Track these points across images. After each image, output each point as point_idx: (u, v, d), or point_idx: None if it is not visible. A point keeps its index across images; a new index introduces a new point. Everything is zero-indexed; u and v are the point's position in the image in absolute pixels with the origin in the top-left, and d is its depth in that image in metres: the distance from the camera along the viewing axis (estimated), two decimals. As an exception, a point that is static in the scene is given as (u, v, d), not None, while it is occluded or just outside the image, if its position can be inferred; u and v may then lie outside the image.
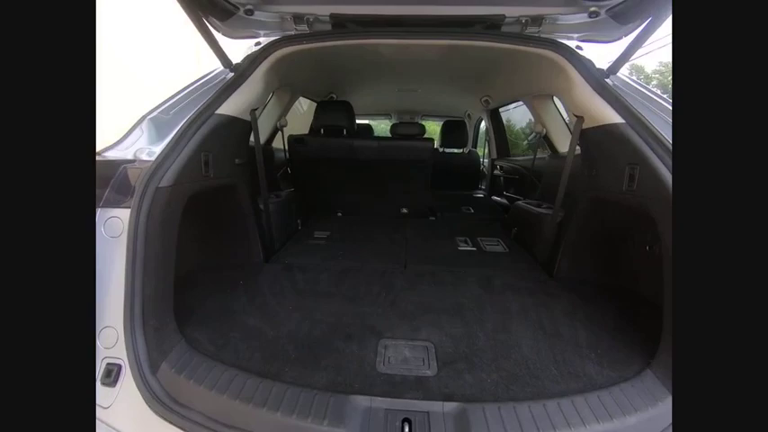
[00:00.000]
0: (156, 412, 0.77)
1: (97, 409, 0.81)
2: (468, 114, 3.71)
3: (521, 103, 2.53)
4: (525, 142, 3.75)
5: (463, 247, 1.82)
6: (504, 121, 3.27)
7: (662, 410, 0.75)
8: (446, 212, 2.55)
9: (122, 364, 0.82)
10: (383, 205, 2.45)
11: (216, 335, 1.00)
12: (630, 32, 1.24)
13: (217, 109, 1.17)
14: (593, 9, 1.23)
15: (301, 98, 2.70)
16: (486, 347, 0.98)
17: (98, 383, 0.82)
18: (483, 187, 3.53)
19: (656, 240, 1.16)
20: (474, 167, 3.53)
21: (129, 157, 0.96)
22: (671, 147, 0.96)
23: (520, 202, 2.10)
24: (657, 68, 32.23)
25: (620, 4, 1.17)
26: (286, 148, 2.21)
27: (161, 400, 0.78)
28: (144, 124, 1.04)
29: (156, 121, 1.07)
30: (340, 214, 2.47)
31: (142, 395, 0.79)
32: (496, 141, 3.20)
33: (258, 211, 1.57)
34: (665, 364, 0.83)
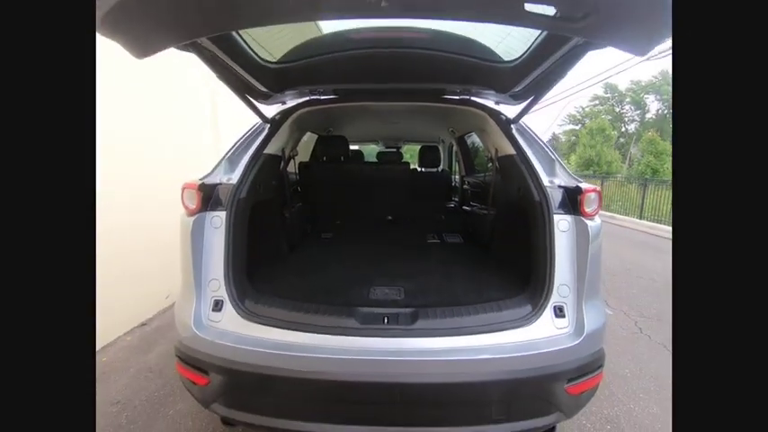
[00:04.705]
0: (245, 319, 1.39)
1: (210, 323, 1.42)
2: (442, 140, 4.47)
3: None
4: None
5: (431, 240, 2.50)
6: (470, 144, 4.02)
7: (520, 315, 1.40)
8: (422, 219, 3.24)
9: (224, 300, 1.45)
10: (373, 215, 3.13)
11: (272, 285, 1.64)
12: (523, 102, 1.96)
13: (264, 150, 1.85)
14: (496, 98, 1.98)
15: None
16: (432, 287, 1.64)
17: (209, 311, 1.44)
18: (455, 199, 4.24)
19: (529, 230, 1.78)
20: (446, 183, 4.26)
21: (217, 181, 1.62)
22: (538, 170, 1.64)
23: (474, 208, 2.80)
24: (630, 86, 34.23)
25: (513, 92, 1.89)
26: (296, 172, 2.90)
27: (247, 315, 1.40)
28: (224, 161, 1.70)
29: (230, 159, 1.74)
30: (339, 222, 3.14)
31: (237, 313, 1.41)
32: (464, 162, 3.94)
33: (284, 217, 2.23)
34: (534, 298, 1.46)
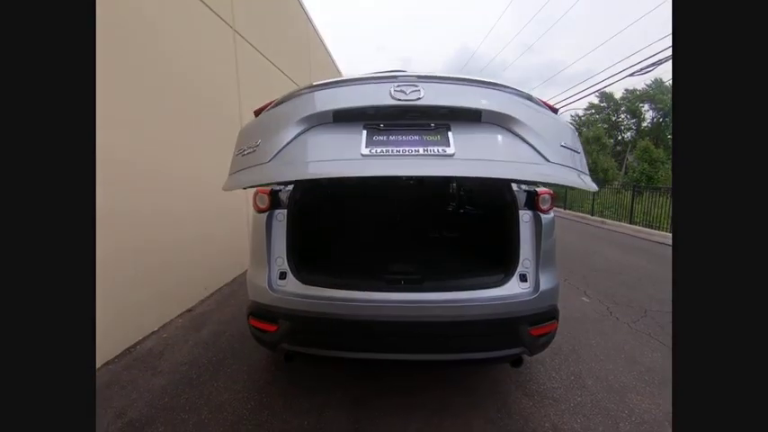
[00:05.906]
0: (304, 283, 1.99)
1: (279, 286, 2.02)
2: (441, 152, 5.12)
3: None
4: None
5: (433, 235, 3.11)
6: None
7: (495, 279, 1.99)
8: (425, 220, 3.85)
9: (287, 271, 2.05)
10: (385, 216, 3.75)
11: (320, 262, 2.24)
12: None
13: None
14: None
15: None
16: (435, 263, 2.25)
17: (277, 279, 2.04)
18: (453, 204, 4.86)
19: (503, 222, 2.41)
20: (445, 190, 4.88)
21: (279, 188, 2.24)
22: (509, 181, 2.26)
23: (468, 210, 3.41)
24: (624, 95, 35.06)
25: None
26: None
27: (305, 280, 2.00)
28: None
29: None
30: (357, 222, 3.76)
31: (297, 279, 2.01)
32: (460, 172, 4.57)
33: (319, 216, 2.84)
34: (506, 268, 2.06)
